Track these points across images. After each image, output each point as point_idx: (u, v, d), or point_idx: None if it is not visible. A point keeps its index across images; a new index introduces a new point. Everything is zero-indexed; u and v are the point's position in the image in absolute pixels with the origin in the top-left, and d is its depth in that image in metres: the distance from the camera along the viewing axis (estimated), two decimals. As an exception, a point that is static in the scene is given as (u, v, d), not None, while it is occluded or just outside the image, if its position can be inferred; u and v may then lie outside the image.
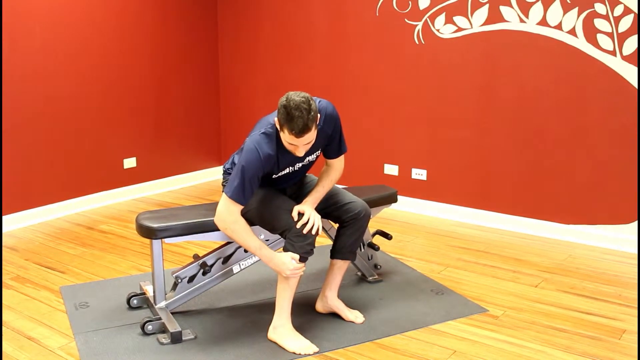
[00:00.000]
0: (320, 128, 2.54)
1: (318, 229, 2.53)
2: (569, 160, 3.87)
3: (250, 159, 2.44)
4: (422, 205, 4.53)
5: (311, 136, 2.37)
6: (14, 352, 2.54)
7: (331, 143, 2.66)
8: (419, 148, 4.48)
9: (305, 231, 2.50)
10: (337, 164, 2.73)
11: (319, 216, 2.57)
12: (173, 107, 5.19)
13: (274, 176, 2.61)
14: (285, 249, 2.54)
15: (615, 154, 3.70)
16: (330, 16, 4.74)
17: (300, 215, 2.54)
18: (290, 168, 2.61)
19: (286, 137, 2.38)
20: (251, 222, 2.66)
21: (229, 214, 2.49)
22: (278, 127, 2.40)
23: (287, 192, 2.79)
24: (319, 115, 2.43)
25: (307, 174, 2.89)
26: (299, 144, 2.38)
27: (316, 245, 2.61)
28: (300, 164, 2.62)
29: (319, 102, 2.56)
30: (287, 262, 2.51)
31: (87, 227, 4.21)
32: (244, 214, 2.57)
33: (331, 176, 2.70)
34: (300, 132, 2.33)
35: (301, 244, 2.50)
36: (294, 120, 2.30)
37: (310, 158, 2.64)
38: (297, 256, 2.51)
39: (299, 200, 2.69)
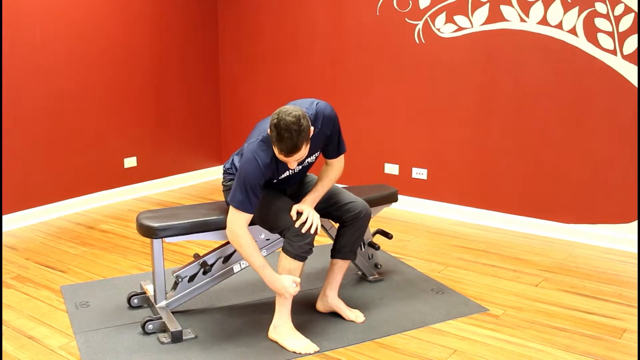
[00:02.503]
0: (318, 130, 2.53)
1: (317, 229, 2.53)
2: (569, 160, 3.87)
3: (250, 169, 2.44)
4: (423, 205, 4.53)
5: (301, 154, 2.36)
6: (15, 351, 2.54)
7: (330, 144, 2.65)
8: (419, 147, 4.48)
9: (303, 230, 2.50)
10: (337, 164, 2.73)
11: (318, 215, 2.57)
12: (173, 106, 5.19)
13: (274, 181, 2.61)
14: (284, 249, 2.54)
15: (616, 153, 3.70)
16: (330, 16, 4.74)
17: (299, 214, 2.54)
18: (290, 171, 2.61)
19: (277, 153, 2.38)
20: (251, 222, 2.66)
21: (237, 226, 2.49)
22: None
23: (287, 192, 2.79)
24: (312, 129, 2.41)
25: (307, 174, 2.89)
26: (290, 161, 2.39)
27: (317, 244, 2.61)
28: (299, 167, 2.62)
29: (317, 104, 2.56)
30: (289, 286, 2.52)
31: (87, 226, 4.21)
32: None
33: (331, 176, 2.70)
34: (289, 153, 2.33)
35: (300, 244, 2.50)
36: (283, 140, 2.30)
37: (310, 160, 2.64)
38: (298, 279, 2.53)
39: (298, 200, 2.69)
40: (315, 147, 2.58)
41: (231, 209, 2.49)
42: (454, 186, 4.38)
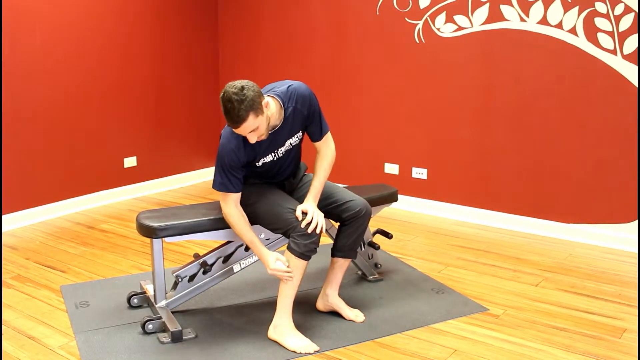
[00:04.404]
0: (293, 109, 2.55)
1: (322, 228, 2.53)
2: (569, 159, 3.87)
3: (224, 151, 2.50)
4: (423, 205, 4.53)
5: (251, 125, 2.37)
6: (15, 351, 2.54)
7: (312, 124, 2.66)
8: (419, 147, 4.48)
9: (309, 230, 2.50)
10: (325, 149, 2.72)
11: (322, 214, 2.57)
12: (173, 106, 5.19)
13: (257, 164, 2.60)
14: (290, 248, 2.54)
15: (616, 153, 3.70)
16: (330, 15, 4.74)
17: (304, 214, 2.54)
18: (273, 155, 2.60)
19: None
20: (253, 222, 2.66)
21: (225, 206, 2.59)
22: None
23: (286, 188, 2.79)
24: (265, 100, 2.41)
25: (306, 173, 2.89)
26: (243, 133, 2.40)
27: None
28: (282, 149, 2.62)
29: (290, 85, 2.58)
30: (269, 262, 2.54)
31: (87, 226, 4.21)
32: (246, 213, 2.60)
33: (324, 165, 2.70)
34: (235, 123, 2.36)
35: (305, 243, 2.51)
36: (227, 112, 2.34)
37: (292, 141, 2.64)
38: (283, 258, 2.54)
39: (296, 195, 2.71)
40: (294, 127, 2.59)
41: (220, 192, 2.57)
42: (453, 186, 4.38)
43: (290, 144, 2.64)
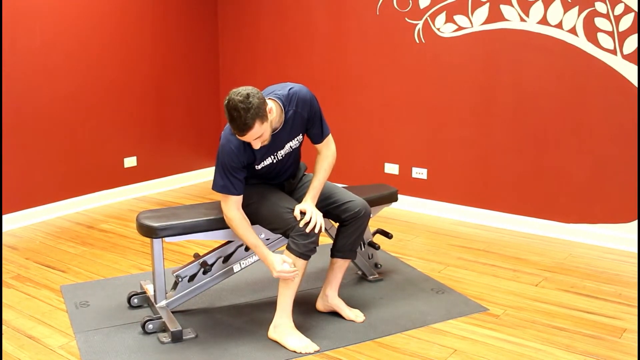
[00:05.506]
0: (294, 112, 2.54)
1: (321, 227, 2.53)
2: (569, 159, 3.87)
3: (224, 153, 2.50)
4: (423, 204, 4.53)
5: (257, 132, 2.37)
6: (15, 351, 2.54)
7: (313, 127, 2.65)
8: (419, 147, 4.48)
9: (308, 230, 2.50)
10: (326, 151, 2.71)
11: (321, 214, 2.57)
12: (174, 106, 5.19)
13: (257, 167, 2.60)
14: (289, 247, 2.54)
15: (616, 153, 3.70)
16: (330, 15, 4.74)
17: (302, 214, 2.54)
18: (272, 158, 2.60)
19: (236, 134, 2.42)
20: (253, 222, 2.66)
21: (227, 209, 2.57)
22: None
23: (286, 189, 2.79)
24: (270, 107, 2.41)
25: (305, 173, 2.89)
26: (248, 140, 2.41)
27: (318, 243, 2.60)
28: (282, 152, 2.61)
29: (291, 88, 2.56)
30: (275, 264, 2.52)
31: (87, 226, 4.21)
32: (246, 213, 2.59)
33: (324, 165, 2.70)
34: (241, 131, 2.35)
35: (304, 243, 2.51)
36: (233, 120, 2.33)
37: (291, 144, 2.63)
38: (289, 260, 2.53)
39: (295, 195, 2.70)
40: (294, 130, 2.58)
41: (220, 195, 2.55)
42: (454, 186, 4.38)
43: (290, 147, 2.63)
